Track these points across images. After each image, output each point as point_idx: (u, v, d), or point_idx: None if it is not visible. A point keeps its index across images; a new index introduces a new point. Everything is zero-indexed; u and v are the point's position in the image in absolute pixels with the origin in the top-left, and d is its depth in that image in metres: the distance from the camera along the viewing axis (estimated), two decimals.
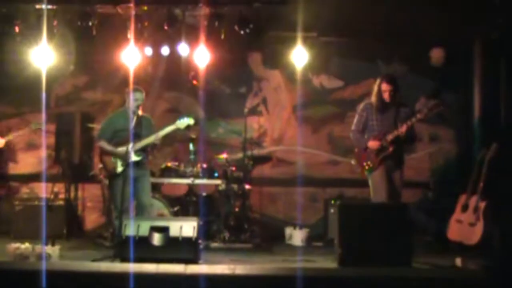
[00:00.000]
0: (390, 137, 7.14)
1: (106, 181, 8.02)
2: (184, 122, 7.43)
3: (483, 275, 6.07)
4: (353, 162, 7.56)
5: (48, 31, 8.68)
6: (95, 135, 8.21)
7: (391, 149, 7.18)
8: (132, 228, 6.62)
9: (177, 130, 7.50)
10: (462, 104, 9.38)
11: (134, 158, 7.26)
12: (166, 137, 7.55)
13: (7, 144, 8.58)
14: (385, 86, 7.20)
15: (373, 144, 7.22)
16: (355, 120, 7.52)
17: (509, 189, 7.82)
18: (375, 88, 7.33)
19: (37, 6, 8.48)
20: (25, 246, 6.91)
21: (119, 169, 7.35)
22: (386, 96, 7.20)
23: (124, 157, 7.23)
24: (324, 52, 9.60)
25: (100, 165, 7.99)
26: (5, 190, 9.48)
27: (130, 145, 7.19)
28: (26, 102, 9.62)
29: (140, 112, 7.41)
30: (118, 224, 6.94)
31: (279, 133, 9.77)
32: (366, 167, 7.26)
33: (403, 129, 7.08)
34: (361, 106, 7.56)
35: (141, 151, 7.38)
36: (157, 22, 8.60)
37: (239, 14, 8.51)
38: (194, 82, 9.30)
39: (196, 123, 7.66)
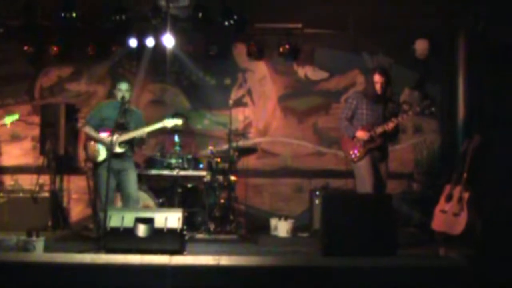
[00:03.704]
0: (379, 130, 7.21)
1: (91, 172, 8.01)
2: (172, 122, 7.45)
3: (465, 265, 6.12)
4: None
5: (33, 22, 8.68)
6: (82, 122, 8.18)
7: (378, 141, 7.26)
8: (117, 219, 6.62)
9: (164, 128, 7.50)
10: (446, 95, 9.41)
11: (117, 149, 7.26)
12: (152, 132, 7.55)
13: None
14: (377, 78, 7.27)
15: (362, 134, 7.26)
16: (343, 108, 7.58)
17: (492, 180, 7.88)
18: (368, 79, 7.41)
19: None
20: (10, 238, 6.90)
21: (100, 157, 7.33)
22: (378, 87, 7.27)
23: (108, 146, 7.21)
24: (309, 43, 9.62)
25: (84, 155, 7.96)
26: None
27: (115, 136, 7.18)
28: (10, 93, 9.56)
29: (126, 102, 7.37)
30: (103, 216, 6.94)
31: (264, 125, 9.78)
32: (353, 156, 7.31)
33: (392, 124, 7.16)
34: (350, 94, 7.64)
35: (125, 143, 7.37)
36: (142, 13, 8.58)
37: (223, 5, 8.49)
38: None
39: (183, 122, 7.68)
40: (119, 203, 7.63)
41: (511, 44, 8.33)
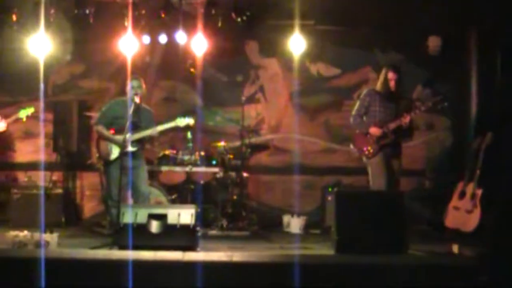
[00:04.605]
0: (392, 125, 7.24)
1: (103, 169, 8.02)
2: (184, 121, 7.51)
3: (478, 262, 6.10)
4: (351, 146, 7.59)
5: (45, 20, 8.69)
6: (94, 120, 8.21)
7: (392, 137, 7.27)
8: (130, 215, 6.64)
9: (176, 127, 7.53)
10: (458, 93, 9.37)
11: (130, 148, 7.28)
12: (164, 131, 7.57)
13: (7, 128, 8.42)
14: (391, 75, 7.31)
15: (375, 130, 7.29)
16: (357, 105, 7.59)
17: (504, 177, 7.84)
18: (381, 76, 7.42)
19: None
20: (24, 234, 6.93)
21: (113, 156, 7.36)
22: (392, 84, 7.31)
23: (120, 145, 7.23)
24: (321, 40, 9.59)
25: (97, 153, 7.98)
26: (4, 178, 9.45)
27: (128, 135, 7.19)
28: (23, 90, 9.57)
29: (137, 100, 7.37)
30: (114, 212, 6.96)
31: (276, 121, 9.77)
32: (366, 152, 7.32)
33: (406, 119, 7.17)
34: (364, 91, 7.64)
35: (137, 142, 7.39)
36: (154, 10, 8.57)
37: (236, 2, 8.49)
38: (192, 70, 9.31)
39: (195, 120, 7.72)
40: (130, 200, 7.64)
41: None
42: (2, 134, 8.33)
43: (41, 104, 9.11)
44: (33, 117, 8.58)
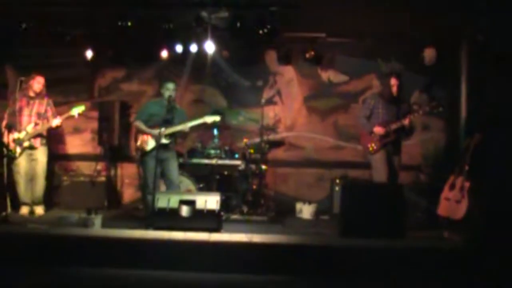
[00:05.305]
0: (394, 126, 7.31)
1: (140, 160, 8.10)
2: (211, 118, 7.57)
3: (465, 245, 6.14)
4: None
5: (92, 31, 8.83)
6: (134, 117, 8.32)
7: (393, 136, 7.33)
8: (163, 201, 6.74)
9: (204, 123, 7.61)
10: (451, 98, 9.34)
11: (164, 141, 7.36)
12: (193, 127, 7.64)
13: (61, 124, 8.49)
14: (393, 81, 7.38)
15: (378, 130, 7.36)
16: (362, 108, 7.64)
17: (490, 172, 7.83)
18: (385, 82, 7.49)
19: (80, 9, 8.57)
20: (72, 215, 7.05)
21: (148, 147, 7.45)
22: (394, 90, 7.37)
23: (155, 138, 7.34)
24: (331, 50, 9.60)
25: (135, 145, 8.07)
26: (61, 168, 9.59)
27: (162, 129, 7.28)
28: (72, 92, 9.71)
29: (171, 100, 7.48)
30: (150, 198, 7.04)
31: (291, 121, 9.79)
32: (370, 149, 7.38)
33: (407, 121, 7.23)
34: (369, 95, 7.72)
35: (170, 136, 7.47)
36: (187, 23, 8.63)
37: (258, 17, 8.52)
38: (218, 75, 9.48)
39: (221, 118, 7.77)
40: (162, 188, 7.72)
41: (509, 54, 8.26)
42: (57, 130, 8.44)
43: (89, 104, 9.26)
44: (81, 115, 8.67)
